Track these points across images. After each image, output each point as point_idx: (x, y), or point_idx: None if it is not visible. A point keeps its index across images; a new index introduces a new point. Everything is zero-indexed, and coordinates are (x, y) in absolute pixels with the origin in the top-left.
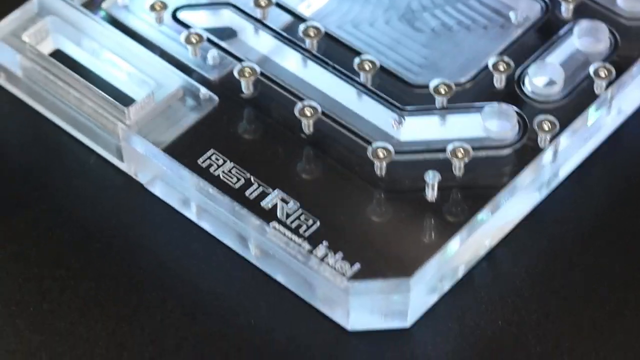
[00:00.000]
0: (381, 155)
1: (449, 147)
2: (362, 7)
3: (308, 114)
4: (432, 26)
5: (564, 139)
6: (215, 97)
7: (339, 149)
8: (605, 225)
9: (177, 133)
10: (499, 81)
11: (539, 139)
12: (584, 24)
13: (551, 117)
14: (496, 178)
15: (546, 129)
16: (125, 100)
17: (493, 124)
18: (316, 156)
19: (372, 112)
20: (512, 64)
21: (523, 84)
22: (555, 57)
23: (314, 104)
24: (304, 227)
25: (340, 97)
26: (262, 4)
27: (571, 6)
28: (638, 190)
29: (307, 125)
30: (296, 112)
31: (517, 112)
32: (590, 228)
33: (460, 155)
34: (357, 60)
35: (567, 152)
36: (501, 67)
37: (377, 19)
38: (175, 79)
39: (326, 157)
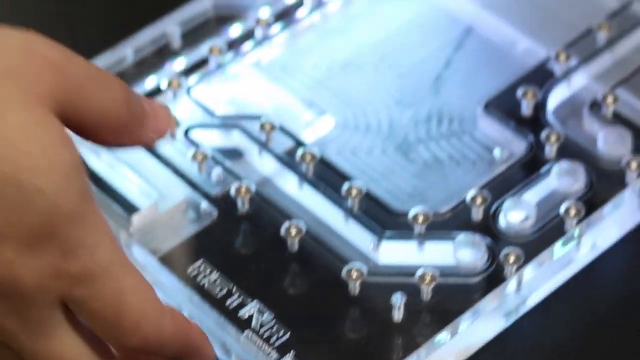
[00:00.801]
0: (354, 276)
1: (418, 272)
2: (363, 136)
3: (293, 233)
4: (425, 158)
5: (528, 271)
6: (215, 211)
7: (318, 267)
8: (566, 357)
9: (175, 242)
10: (476, 213)
11: (505, 270)
12: (563, 164)
13: (518, 250)
14: (461, 303)
15: (511, 261)
16: (131, 207)
17: (464, 253)
18: (297, 272)
19: (354, 234)
20: (489, 198)
21: (498, 217)
22: (533, 194)
23: (300, 224)
24: (275, 337)
25: (328, 219)
26: (267, 128)
27: (554, 147)
28: (602, 325)
29: (292, 244)
30: (282, 231)
31: (487, 244)
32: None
33: (427, 280)
34: (345, 185)
35: (534, 284)
36: (479, 200)
37: (375, 148)
38: (180, 192)
39: (306, 273)
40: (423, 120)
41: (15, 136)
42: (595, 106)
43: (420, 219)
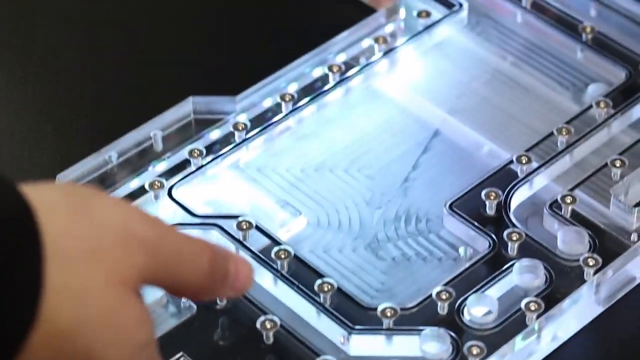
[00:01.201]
0: None
1: None
2: (335, 235)
3: (268, 326)
4: (393, 255)
5: None
6: (194, 306)
7: (293, 359)
8: None
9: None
10: (442, 308)
11: None
12: (524, 262)
13: (481, 343)
14: None
15: (475, 353)
16: None
17: (430, 346)
18: None
19: (327, 328)
20: (454, 294)
21: (462, 312)
22: (496, 290)
23: (274, 318)
24: None
25: (302, 313)
26: (244, 227)
27: (516, 245)
28: None
29: (267, 336)
30: (258, 324)
31: (452, 337)
32: None
33: None
34: (318, 282)
35: None
36: (443, 296)
37: (346, 246)
38: None
39: None
40: (392, 220)
41: (94, 314)
42: (555, 206)
43: (389, 313)
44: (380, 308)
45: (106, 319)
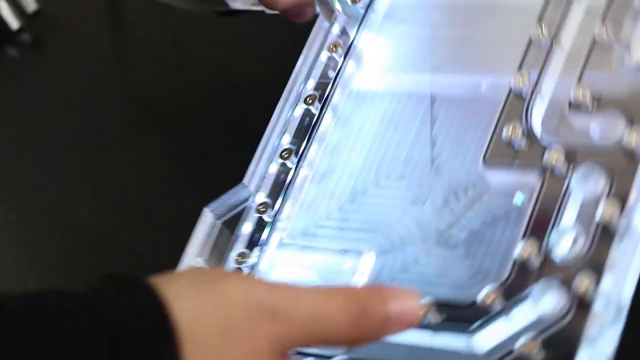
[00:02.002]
0: None
1: (519, 342)
2: (403, 251)
3: None
4: (463, 237)
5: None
6: None
7: None
8: None
9: None
10: (532, 264)
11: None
12: (579, 173)
13: (588, 271)
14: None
15: (586, 284)
16: None
17: (544, 303)
18: None
19: (448, 343)
20: (535, 242)
21: (552, 255)
22: (569, 215)
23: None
24: None
25: (416, 341)
26: None
27: (561, 162)
28: None
29: None
30: None
31: (559, 282)
32: None
33: (532, 346)
34: None
35: None
36: (525, 254)
37: (420, 255)
38: None
39: None
40: (441, 205)
41: None
42: (574, 105)
43: (492, 296)
44: (480, 298)
45: None
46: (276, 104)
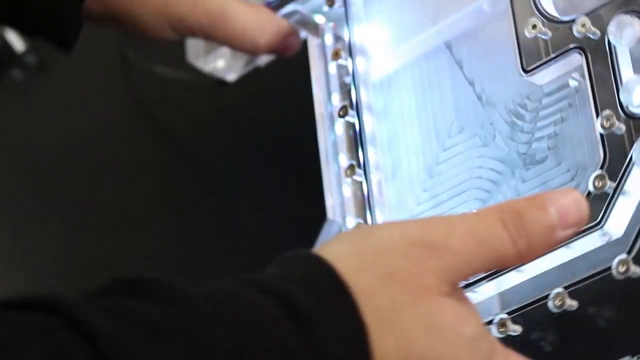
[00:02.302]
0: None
1: None
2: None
3: None
4: (543, 146)
5: None
6: None
7: None
8: None
9: None
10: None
11: None
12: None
13: None
14: None
15: None
16: None
17: None
18: None
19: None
20: (611, 116)
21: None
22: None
23: None
24: None
25: None
26: None
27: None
28: None
29: None
30: None
31: None
32: None
33: None
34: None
35: None
36: (609, 122)
37: (516, 186)
38: None
39: None
40: (511, 132)
41: (414, 330)
42: None
43: (601, 182)
44: (590, 188)
45: (426, 330)
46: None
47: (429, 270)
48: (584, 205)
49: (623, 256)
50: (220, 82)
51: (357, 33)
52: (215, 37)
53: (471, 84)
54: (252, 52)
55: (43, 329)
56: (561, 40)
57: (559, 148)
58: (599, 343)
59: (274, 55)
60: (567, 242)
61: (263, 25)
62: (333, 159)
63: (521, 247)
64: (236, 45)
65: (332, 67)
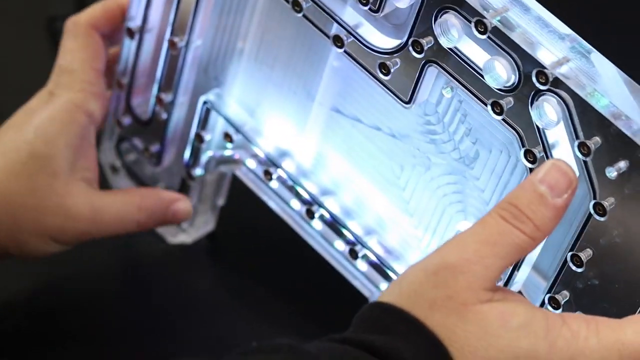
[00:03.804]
0: None
1: None
2: None
3: None
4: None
5: None
6: None
7: None
8: None
9: None
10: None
11: None
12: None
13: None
14: None
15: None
16: None
17: None
18: None
19: None
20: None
21: None
22: None
23: None
24: None
25: None
26: None
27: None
28: None
29: None
30: None
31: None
32: None
33: None
34: None
35: None
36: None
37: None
38: None
39: None
40: (435, 147)
41: (470, 342)
42: None
43: None
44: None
45: (481, 338)
46: None
47: (459, 288)
48: (565, 168)
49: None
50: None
51: (266, 144)
52: (100, 234)
53: (377, 128)
54: (140, 229)
55: None
56: (409, 64)
57: (480, 139)
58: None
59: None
60: None
61: (137, 205)
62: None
63: (530, 231)
64: (122, 231)
65: (274, 184)
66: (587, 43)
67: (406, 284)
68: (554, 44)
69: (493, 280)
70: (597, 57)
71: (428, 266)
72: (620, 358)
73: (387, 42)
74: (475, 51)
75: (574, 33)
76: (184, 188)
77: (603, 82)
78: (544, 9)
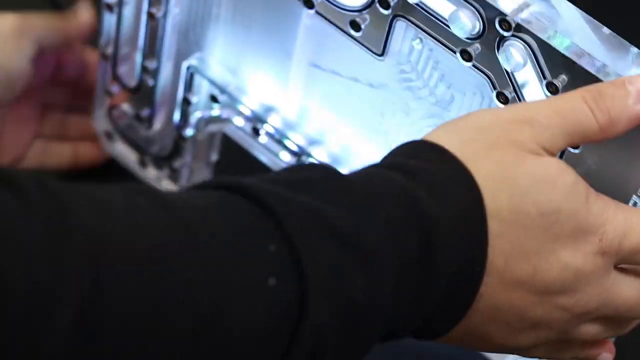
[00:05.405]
0: None
1: None
2: None
3: None
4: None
5: None
6: None
7: None
8: None
9: None
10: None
11: None
12: None
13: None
14: None
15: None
16: None
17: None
18: None
19: None
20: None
21: None
22: None
23: None
24: None
25: None
26: None
27: None
28: None
29: None
30: None
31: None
32: None
33: None
34: None
35: None
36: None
37: None
38: None
39: None
40: (412, 93)
41: (522, 183)
42: None
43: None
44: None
45: (535, 181)
46: None
47: (525, 137)
48: None
49: None
50: None
51: (251, 101)
52: None
53: (355, 80)
54: None
55: (237, 208)
56: (378, 19)
57: (453, 83)
58: None
59: None
60: None
61: None
62: None
63: (603, 121)
64: None
65: (262, 139)
66: None
67: (474, 120)
68: None
69: (554, 150)
70: None
71: (501, 114)
72: None
73: (355, 0)
74: (440, 3)
75: None
76: (177, 148)
77: (564, 22)
78: None
